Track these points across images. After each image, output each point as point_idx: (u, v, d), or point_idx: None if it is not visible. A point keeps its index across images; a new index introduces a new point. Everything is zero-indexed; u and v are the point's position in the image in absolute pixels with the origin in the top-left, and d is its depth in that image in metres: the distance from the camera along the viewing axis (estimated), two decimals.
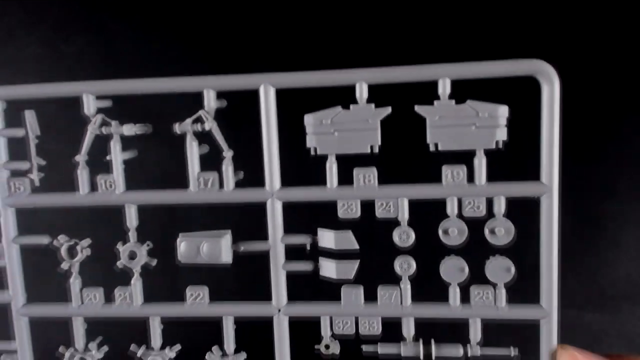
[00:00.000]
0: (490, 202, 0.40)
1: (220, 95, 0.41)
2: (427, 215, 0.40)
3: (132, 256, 0.43)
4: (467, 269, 0.41)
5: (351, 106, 0.39)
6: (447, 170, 0.40)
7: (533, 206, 0.39)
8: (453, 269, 0.41)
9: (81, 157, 0.42)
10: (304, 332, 0.42)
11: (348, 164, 0.41)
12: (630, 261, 0.63)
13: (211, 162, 0.42)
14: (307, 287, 0.42)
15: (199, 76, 0.41)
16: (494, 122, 0.38)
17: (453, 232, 0.40)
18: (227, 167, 0.41)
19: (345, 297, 0.42)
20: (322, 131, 0.40)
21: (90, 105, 0.41)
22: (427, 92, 0.39)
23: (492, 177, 0.39)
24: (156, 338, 0.44)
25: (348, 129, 0.40)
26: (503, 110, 0.38)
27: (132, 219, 0.43)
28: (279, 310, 0.42)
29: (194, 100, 0.41)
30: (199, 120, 0.41)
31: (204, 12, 0.62)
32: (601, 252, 0.63)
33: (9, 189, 0.43)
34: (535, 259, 0.40)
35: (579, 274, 0.63)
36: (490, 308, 0.41)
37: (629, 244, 0.63)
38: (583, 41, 0.58)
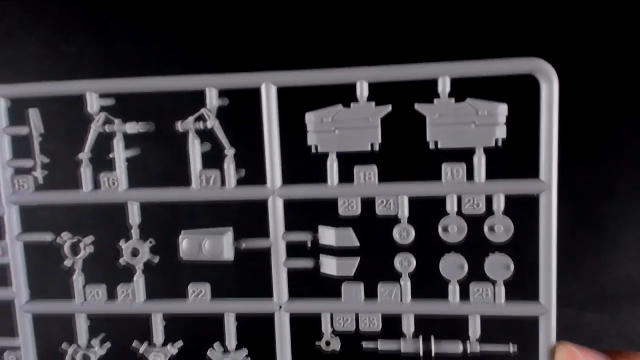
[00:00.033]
0: (489, 200, 0.40)
1: (222, 93, 0.41)
2: (427, 212, 0.40)
3: (135, 253, 0.43)
4: (466, 266, 0.41)
5: (352, 104, 0.40)
6: (446, 168, 0.40)
7: (532, 203, 0.39)
8: (452, 266, 0.41)
9: (84, 155, 0.42)
10: (305, 328, 0.42)
11: (349, 162, 0.41)
12: (630, 261, 0.63)
13: (213, 160, 0.42)
14: (307, 284, 0.42)
15: (201, 74, 0.41)
16: (493, 120, 0.38)
17: (452, 230, 0.40)
18: (229, 165, 0.42)
19: (345, 294, 0.42)
20: (323, 129, 0.40)
21: (93, 104, 0.42)
22: (427, 90, 0.39)
23: (491, 174, 0.40)
24: (158, 334, 0.45)
25: (349, 127, 0.40)
26: (502, 109, 0.39)
27: (134, 216, 0.43)
28: (280, 307, 0.42)
29: (196, 100, 0.41)
30: (201, 118, 0.41)
31: (204, 12, 0.62)
32: (601, 252, 0.63)
33: (12, 186, 0.43)
34: (534, 256, 0.40)
35: (579, 274, 0.63)
36: (489, 305, 0.41)
37: (629, 244, 0.63)
38: (583, 41, 0.58)
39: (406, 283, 0.42)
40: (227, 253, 0.43)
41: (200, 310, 0.44)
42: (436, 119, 0.39)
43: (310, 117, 0.40)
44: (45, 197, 0.43)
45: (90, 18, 0.64)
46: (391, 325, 0.42)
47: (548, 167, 0.39)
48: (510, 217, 0.40)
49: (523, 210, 0.39)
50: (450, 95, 0.39)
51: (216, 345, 0.44)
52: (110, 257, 0.44)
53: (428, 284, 0.41)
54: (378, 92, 0.40)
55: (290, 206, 0.42)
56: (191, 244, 0.43)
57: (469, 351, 0.42)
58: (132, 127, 0.42)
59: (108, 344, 0.46)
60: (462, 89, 0.39)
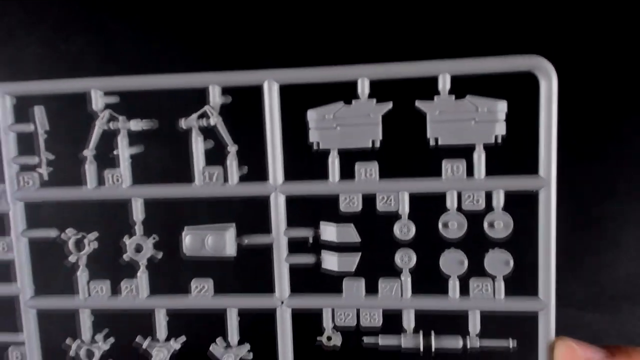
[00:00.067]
0: (489, 196, 0.40)
1: (224, 92, 0.42)
2: (428, 208, 0.40)
3: (138, 249, 0.44)
4: (466, 262, 0.41)
5: (353, 101, 0.40)
6: (446, 165, 0.40)
7: (531, 200, 0.40)
8: (452, 262, 0.41)
9: (89, 152, 0.43)
10: (306, 324, 0.42)
11: (350, 159, 0.41)
12: (630, 261, 0.63)
13: (216, 157, 0.43)
14: (309, 279, 0.43)
15: (204, 72, 0.41)
16: (493, 117, 0.39)
17: (453, 226, 0.41)
18: (232, 162, 0.42)
19: (346, 290, 0.42)
20: (324, 126, 0.40)
21: (98, 101, 0.42)
22: (428, 87, 0.39)
23: (491, 171, 0.40)
24: (161, 330, 0.45)
25: (350, 124, 0.40)
26: (502, 106, 0.39)
27: (138, 213, 0.43)
28: (282, 302, 0.43)
29: (196, 99, 0.42)
30: (204, 115, 0.42)
31: (204, 12, 0.62)
32: (601, 252, 0.63)
33: (18, 183, 0.44)
34: (534, 252, 0.40)
35: (579, 274, 0.63)
36: (489, 300, 0.41)
37: (629, 244, 0.62)
38: (583, 41, 0.58)
39: (407, 279, 0.42)
40: (230, 249, 0.43)
41: (203, 305, 0.44)
42: (436, 116, 0.39)
43: (312, 115, 0.41)
44: (50, 194, 0.44)
45: (90, 18, 0.64)
46: (392, 321, 0.43)
47: (547, 164, 0.39)
48: (510, 214, 0.40)
49: (523, 207, 0.39)
50: (451, 92, 0.39)
51: (218, 340, 0.44)
52: (114, 253, 0.44)
53: (428, 279, 0.42)
54: (379, 90, 0.40)
55: (292, 203, 0.42)
56: (194, 240, 0.43)
57: (468, 346, 0.42)
58: (136, 125, 0.43)
59: (112, 340, 0.46)
60: (462, 86, 0.39)
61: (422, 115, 0.40)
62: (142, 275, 0.44)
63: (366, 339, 0.43)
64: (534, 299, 0.40)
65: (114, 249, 0.44)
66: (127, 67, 0.58)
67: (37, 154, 0.44)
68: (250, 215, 0.41)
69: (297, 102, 0.40)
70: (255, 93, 0.41)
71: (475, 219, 0.41)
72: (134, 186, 0.43)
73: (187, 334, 0.45)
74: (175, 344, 0.45)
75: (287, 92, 0.41)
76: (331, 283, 0.43)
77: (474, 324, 0.42)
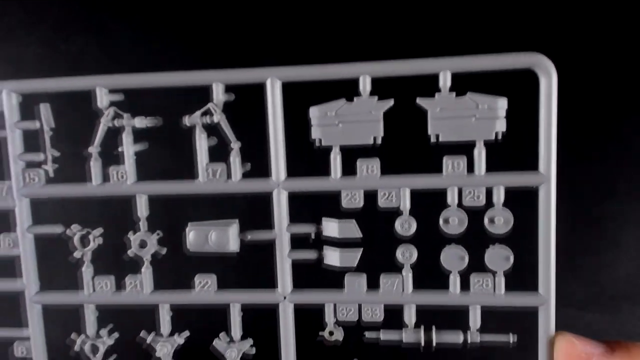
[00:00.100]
0: (489, 192, 0.40)
1: (227, 89, 0.42)
2: (428, 205, 0.41)
3: (143, 245, 0.44)
4: (467, 258, 0.41)
5: (355, 99, 0.40)
6: (447, 161, 0.40)
7: (531, 196, 0.40)
8: (453, 258, 0.42)
9: (94, 149, 0.43)
10: (308, 319, 0.43)
11: (351, 155, 0.41)
12: (630, 261, 0.63)
13: (219, 153, 0.43)
14: (311, 275, 0.43)
15: (208, 70, 0.41)
16: (493, 114, 0.39)
17: (453, 222, 0.41)
18: (235, 159, 0.42)
19: (348, 285, 0.43)
20: (326, 123, 0.41)
21: (102, 99, 0.43)
22: (429, 85, 0.39)
23: (491, 167, 0.40)
24: (165, 325, 0.45)
25: (352, 120, 0.40)
26: (502, 103, 0.39)
27: (142, 209, 0.44)
28: (284, 298, 0.43)
29: (199, 97, 0.42)
30: (207, 113, 0.42)
31: (204, 13, 0.62)
32: (601, 252, 0.63)
33: (23, 179, 0.44)
34: (534, 248, 0.40)
35: (579, 274, 0.63)
36: (489, 295, 0.41)
37: (629, 244, 0.63)
38: (583, 42, 0.58)
39: (408, 274, 0.42)
40: (233, 245, 0.43)
41: (206, 301, 0.44)
42: (437, 112, 0.39)
43: (314, 112, 0.41)
44: (56, 190, 0.44)
45: (90, 18, 0.64)
46: (393, 316, 0.43)
47: (547, 160, 0.39)
48: (510, 210, 0.40)
49: (523, 203, 0.40)
50: (451, 89, 0.39)
51: (222, 335, 0.45)
52: (119, 249, 0.44)
53: (429, 275, 0.42)
54: (380, 87, 0.40)
55: (294, 199, 0.42)
56: (198, 236, 0.43)
57: (469, 341, 0.42)
58: (141, 122, 0.43)
59: (116, 334, 0.46)
60: (463, 84, 0.39)
61: (423, 112, 0.40)
62: (146, 271, 0.44)
63: (368, 334, 0.43)
64: (534, 294, 0.41)
65: (118, 244, 0.44)
66: (127, 67, 0.58)
67: (43, 151, 0.44)
68: (253, 211, 0.42)
69: (299, 99, 0.40)
70: (258, 91, 0.41)
71: (475, 215, 0.41)
72: (138, 183, 0.44)
73: (190, 329, 0.46)
74: (179, 339, 0.45)
75: (290, 90, 0.41)
76: (333, 278, 0.43)
77: (475, 319, 0.42)
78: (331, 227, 0.43)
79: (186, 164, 0.43)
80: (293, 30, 0.61)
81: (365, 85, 0.40)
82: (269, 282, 0.43)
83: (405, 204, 0.41)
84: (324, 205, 0.42)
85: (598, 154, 0.61)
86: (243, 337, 0.45)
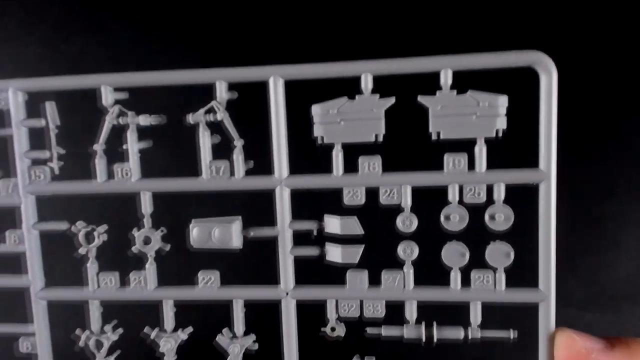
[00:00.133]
0: (490, 189, 0.41)
1: (231, 87, 0.42)
2: (430, 201, 0.41)
3: (147, 241, 0.44)
4: (467, 254, 0.42)
5: (356, 97, 0.41)
6: (448, 158, 0.40)
7: (531, 193, 0.40)
8: (454, 254, 0.42)
9: (98, 147, 0.44)
10: (311, 314, 0.43)
11: (353, 153, 0.41)
12: (630, 261, 0.63)
13: (222, 151, 0.43)
14: (313, 271, 0.43)
15: (211, 68, 0.42)
16: (494, 111, 0.39)
17: (454, 218, 0.41)
18: (238, 156, 0.43)
19: (350, 281, 0.43)
20: (328, 121, 0.41)
21: (107, 97, 0.43)
22: (430, 83, 0.40)
23: (492, 164, 0.40)
24: (169, 320, 0.45)
25: (353, 118, 0.41)
26: (503, 100, 0.39)
27: (146, 206, 0.44)
28: (287, 294, 0.43)
29: (201, 97, 0.42)
30: (211, 111, 0.42)
31: (204, 13, 0.63)
32: (601, 252, 0.63)
33: (29, 177, 0.45)
34: (534, 245, 0.40)
35: (579, 274, 0.63)
36: (490, 291, 0.41)
37: (629, 244, 0.63)
38: (583, 41, 0.59)
39: (409, 270, 0.42)
40: (236, 241, 0.44)
41: (210, 297, 0.44)
42: (438, 110, 0.40)
43: (316, 109, 0.41)
44: (61, 187, 0.45)
45: (90, 18, 0.64)
46: (394, 312, 0.43)
47: (547, 157, 0.39)
48: (511, 207, 0.41)
49: (523, 200, 0.40)
50: (452, 87, 0.39)
51: (225, 331, 0.45)
52: (123, 245, 0.44)
53: (430, 271, 0.42)
54: (382, 85, 0.40)
55: (297, 196, 0.43)
56: (201, 233, 0.43)
57: (470, 337, 0.42)
58: (145, 120, 0.43)
59: (120, 330, 0.46)
60: (464, 82, 0.39)
61: (424, 109, 0.40)
62: (150, 267, 0.45)
63: (369, 330, 0.43)
64: (534, 290, 0.41)
65: (122, 241, 0.45)
66: (128, 67, 0.59)
67: (48, 148, 0.44)
68: (255, 208, 0.42)
69: (301, 97, 0.41)
70: (260, 89, 0.41)
71: (476, 211, 0.41)
72: (142, 180, 0.44)
73: (194, 324, 0.46)
74: (183, 335, 0.46)
75: (292, 88, 0.41)
76: (335, 275, 0.43)
77: (475, 315, 0.42)
78: (333, 224, 0.43)
79: (190, 162, 0.43)
80: (295, 29, 0.61)
81: (366, 83, 0.40)
82: (272, 278, 0.43)
83: (407, 201, 0.42)
84: (326, 202, 0.42)
85: (598, 154, 0.61)
86: (246, 333, 0.45)
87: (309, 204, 0.43)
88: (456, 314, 0.43)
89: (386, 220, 0.42)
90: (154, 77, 0.42)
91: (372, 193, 0.42)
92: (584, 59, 0.58)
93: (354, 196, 0.42)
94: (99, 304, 0.46)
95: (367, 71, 0.40)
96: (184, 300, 0.45)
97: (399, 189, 0.41)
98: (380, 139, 0.41)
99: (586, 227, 0.63)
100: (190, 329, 0.46)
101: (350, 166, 0.42)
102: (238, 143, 0.43)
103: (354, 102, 0.41)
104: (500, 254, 0.41)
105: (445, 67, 0.39)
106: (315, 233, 0.43)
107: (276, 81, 0.41)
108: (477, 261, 0.42)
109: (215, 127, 0.43)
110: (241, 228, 0.44)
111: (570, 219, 0.59)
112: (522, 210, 0.40)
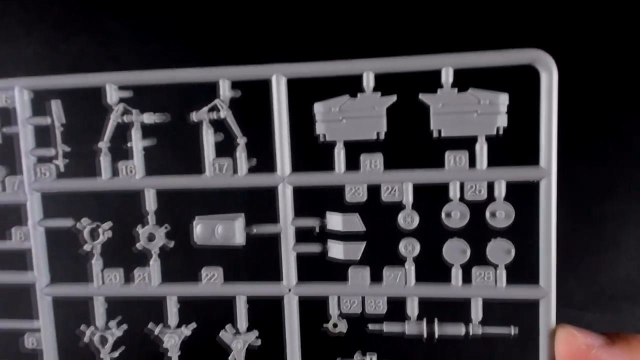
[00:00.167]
0: (491, 186, 0.41)
1: (234, 85, 0.42)
2: (431, 199, 0.41)
3: (151, 238, 0.45)
4: (468, 251, 0.42)
5: (358, 95, 0.41)
6: (449, 156, 0.41)
7: (532, 190, 0.40)
8: (455, 251, 0.42)
9: (103, 144, 0.44)
10: (313, 311, 0.43)
11: (355, 150, 0.42)
12: (630, 261, 0.63)
13: (225, 149, 0.43)
14: (315, 267, 0.43)
15: (215, 67, 0.42)
16: (494, 109, 0.39)
17: (455, 215, 0.41)
18: (241, 154, 0.43)
19: (352, 278, 0.43)
20: (330, 119, 0.41)
21: (112, 95, 0.43)
22: (431, 80, 0.40)
23: (492, 162, 0.40)
24: (172, 317, 0.46)
25: (355, 116, 0.41)
26: (503, 98, 0.39)
27: (151, 203, 0.44)
28: (289, 290, 0.43)
29: (204, 95, 0.43)
30: (214, 109, 0.43)
31: (204, 13, 0.63)
32: (601, 252, 0.63)
33: (35, 174, 0.45)
34: (534, 242, 0.41)
35: (579, 274, 0.63)
36: (490, 288, 0.42)
37: (629, 244, 0.63)
38: (584, 40, 0.59)
39: (410, 267, 0.43)
40: (239, 238, 0.44)
41: (213, 293, 0.45)
42: (439, 108, 0.40)
43: (318, 107, 0.41)
44: (66, 185, 0.45)
45: (90, 18, 0.64)
46: (396, 308, 0.43)
47: (548, 155, 0.39)
48: (511, 204, 0.41)
49: (524, 197, 0.40)
50: (453, 85, 0.40)
51: (228, 327, 0.45)
52: (127, 242, 0.45)
53: (432, 268, 0.42)
54: (384, 83, 0.40)
55: (299, 193, 0.43)
56: (205, 229, 0.44)
57: (471, 333, 0.42)
58: (149, 118, 0.44)
59: (124, 326, 0.47)
60: (465, 79, 0.40)
61: (425, 107, 0.40)
62: (154, 264, 0.45)
63: (371, 326, 0.44)
64: (534, 286, 0.41)
65: (127, 238, 0.45)
66: (128, 67, 0.59)
67: (54, 146, 0.45)
68: (258, 205, 0.42)
69: (304, 95, 0.41)
70: (263, 87, 0.41)
71: (477, 208, 0.41)
72: (146, 177, 0.44)
73: (197, 320, 0.46)
74: (186, 331, 0.46)
75: (295, 86, 0.41)
76: (337, 271, 0.44)
77: (476, 312, 0.42)
78: (335, 221, 0.43)
79: (193, 159, 0.44)
80: (298, 28, 0.62)
81: (368, 81, 0.40)
82: (274, 274, 0.44)
83: (408, 198, 0.42)
84: (328, 199, 0.42)
85: (598, 154, 0.61)
86: (249, 329, 0.45)
87: (311, 201, 0.43)
88: (457, 310, 0.43)
89: (388, 217, 0.42)
90: (159, 76, 0.43)
91: (373, 190, 0.42)
92: (585, 58, 0.58)
93: (356, 193, 0.42)
94: (103, 300, 0.46)
95: (368, 69, 0.40)
96: (187, 297, 0.45)
97: (400, 186, 0.42)
98: (382, 136, 0.41)
99: (586, 227, 0.63)
100: (193, 325, 0.46)
101: (352, 164, 0.42)
102: (241, 141, 0.43)
103: (356, 100, 0.41)
104: (501, 251, 0.41)
105: (446, 65, 0.40)
106: (317, 230, 0.43)
107: (279, 79, 0.41)
108: (478, 258, 0.42)
109: (219, 125, 0.43)
110: (244, 225, 0.44)
111: (571, 218, 0.59)
112: (523, 208, 0.40)
